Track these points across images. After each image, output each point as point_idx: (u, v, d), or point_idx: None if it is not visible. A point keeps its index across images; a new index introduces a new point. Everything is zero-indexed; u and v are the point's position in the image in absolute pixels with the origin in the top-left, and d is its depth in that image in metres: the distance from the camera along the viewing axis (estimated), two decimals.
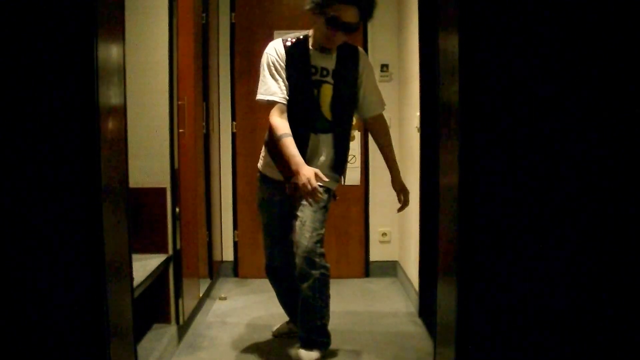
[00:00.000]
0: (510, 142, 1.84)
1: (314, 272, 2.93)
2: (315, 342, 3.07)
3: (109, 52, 1.86)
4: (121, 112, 1.99)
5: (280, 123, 2.90)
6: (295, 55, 2.95)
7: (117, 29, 1.95)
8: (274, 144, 2.95)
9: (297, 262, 2.94)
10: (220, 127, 4.63)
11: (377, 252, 4.78)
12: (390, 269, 4.76)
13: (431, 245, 3.52)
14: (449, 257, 2.05)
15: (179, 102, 3.25)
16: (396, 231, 4.73)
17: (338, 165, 3.08)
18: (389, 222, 4.73)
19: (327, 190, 3.02)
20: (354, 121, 4.46)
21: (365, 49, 4.58)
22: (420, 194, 3.70)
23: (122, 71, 1.98)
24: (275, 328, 3.50)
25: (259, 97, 2.96)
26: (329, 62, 2.99)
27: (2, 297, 1.75)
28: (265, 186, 3.15)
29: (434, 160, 2.48)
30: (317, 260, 2.93)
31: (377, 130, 3.24)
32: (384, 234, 4.76)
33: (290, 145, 2.86)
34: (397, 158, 4.58)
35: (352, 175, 4.39)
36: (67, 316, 1.76)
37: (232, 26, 4.66)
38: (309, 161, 2.95)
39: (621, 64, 1.81)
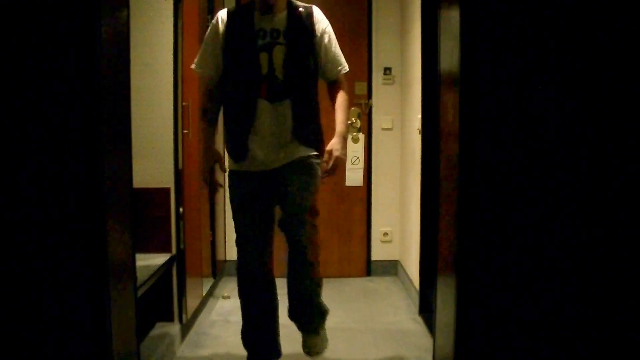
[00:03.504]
0: (510, 143, 1.86)
1: (308, 218, 2.74)
2: (315, 317, 2.88)
3: (114, 50, 1.86)
4: (126, 112, 1.99)
5: (202, 98, 2.85)
6: (239, 19, 2.75)
7: (122, 25, 1.93)
8: (227, 122, 2.82)
9: (291, 212, 2.74)
10: None
11: (379, 252, 4.81)
12: (392, 268, 4.79)
13: (431, 245, 3.54)
14: (448, 257, 2.08)
15: (184, 103, 3.27)
16: (397, 231, 4.76)
17: (303, 135, 2.72)
18: (390, 222, 4.76)
19: (309, 158, 2.74)
20: (358, 123, 4.54)
21: (369, 53, 4.63)
22: (421, 194, 3.73)
23: (127, 70, 1.99)
24: None
25: (192, 65, 2.86)
26: (279, 23, 2.71)
27: (4, 297, 1.75)
28: (239, 182, 2.77)
29: (434, 162, 2.50)
30: (310, 212, 2.75)
31: (332, 93, 2.87)
32: (386, 234, 4.79)
33: (202, 123, 2.84)
34: (399, 159, 4.65)
35: (355, 177, 4.42)
36: (70, 315, 1.77)
37: None
38: (265, 134, 2.68)
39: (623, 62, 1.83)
